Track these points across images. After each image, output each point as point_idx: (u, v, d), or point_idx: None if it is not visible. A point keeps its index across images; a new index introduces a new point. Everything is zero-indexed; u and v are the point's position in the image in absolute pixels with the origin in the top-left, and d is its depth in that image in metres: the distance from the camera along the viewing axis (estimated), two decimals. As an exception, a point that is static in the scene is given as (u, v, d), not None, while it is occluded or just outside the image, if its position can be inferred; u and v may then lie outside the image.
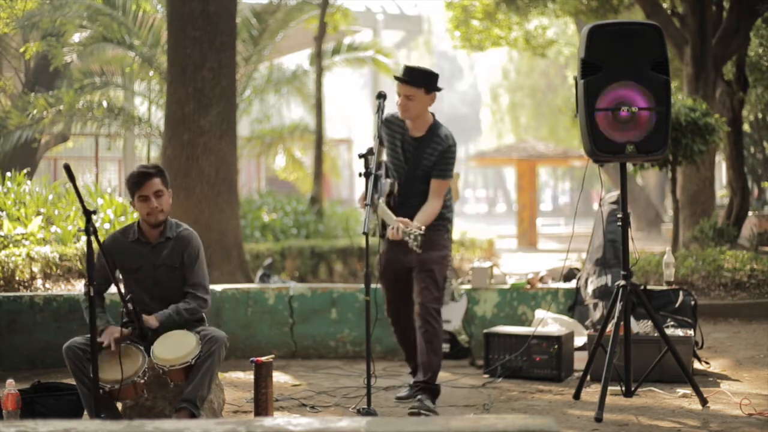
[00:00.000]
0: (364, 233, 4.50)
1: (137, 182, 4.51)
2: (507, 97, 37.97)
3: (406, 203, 5.01)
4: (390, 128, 5.11)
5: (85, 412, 4.36)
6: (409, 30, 31.92)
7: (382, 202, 4.91)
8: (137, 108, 14.40)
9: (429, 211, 4.93)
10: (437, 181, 4.99)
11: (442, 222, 5.09)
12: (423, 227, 4.69)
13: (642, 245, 13.50)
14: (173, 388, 4.40)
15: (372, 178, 4.64)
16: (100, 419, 3.89)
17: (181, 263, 4.57)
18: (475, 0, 15.70)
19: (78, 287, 7.64)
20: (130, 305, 4.21)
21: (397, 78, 5.01)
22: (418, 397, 4.92)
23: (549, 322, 6.32)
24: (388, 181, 5.03)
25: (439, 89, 5.01)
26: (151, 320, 4.40)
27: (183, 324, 4.48)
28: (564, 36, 26.28)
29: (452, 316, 6.64)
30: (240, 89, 13.99)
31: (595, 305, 6.47)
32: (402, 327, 5.26)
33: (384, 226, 5.00)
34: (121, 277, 4.63)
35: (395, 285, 5.19)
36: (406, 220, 4.75)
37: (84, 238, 4.37)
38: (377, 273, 5.28)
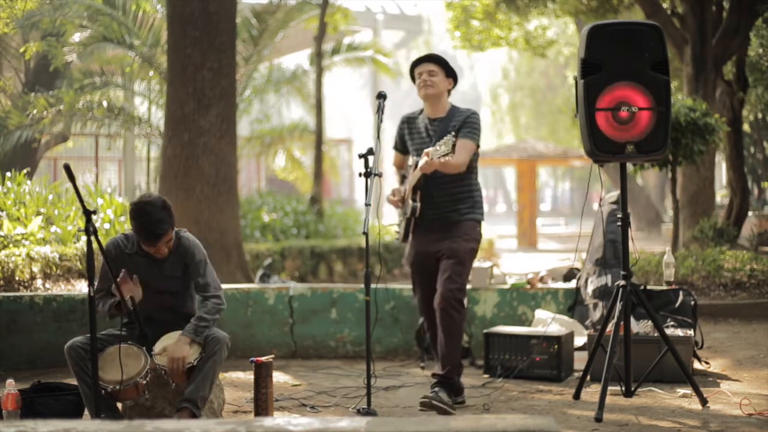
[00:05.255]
0: (364, 233, 4.50)
1: (150, 240, 4.33)
2: (507, 97, 38.01)
3: (434, 181, 5.00)
4: (411, 124, 5.24)
5: (86, 412, 4.36)
6: (409, 30, 31.88)
7: (406, 184, 5.05)
8: (137, 108, 14.40)
9: (452, 161, 4.75)
10: (462, 140, 4.97)
11: (476, 214, 5.13)
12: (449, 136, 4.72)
13: (642, 245, 13.48)
14: (174, 388, 4.40)
15: (372, 177, 4.63)
16: (100, 419, 3.89)
17: (185, 272, 4.54)
18: (475, 0, 15.70)
19: (78, 287, 7.64)
20: (130, 305, 4.22)
21: (418, 59, 5.15)
22: (435, 389, 4.88)
23: (549, 322, 6.31)
24: (414, 158, 5.10)
25: (456, 77, 5.17)
26: (185, 350, 4.26)
27: (213, 325, 4.41)
28: (564, 36, 26.30)
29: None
30: (240, 89, 14.00)
31: (595, 305, 6.46)
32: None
33: (413, 212, 5.06)
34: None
35: (429, 280, 5.11)
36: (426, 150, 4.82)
37: (84, 238, 4.37)
38: (377, 273, 5.26)
